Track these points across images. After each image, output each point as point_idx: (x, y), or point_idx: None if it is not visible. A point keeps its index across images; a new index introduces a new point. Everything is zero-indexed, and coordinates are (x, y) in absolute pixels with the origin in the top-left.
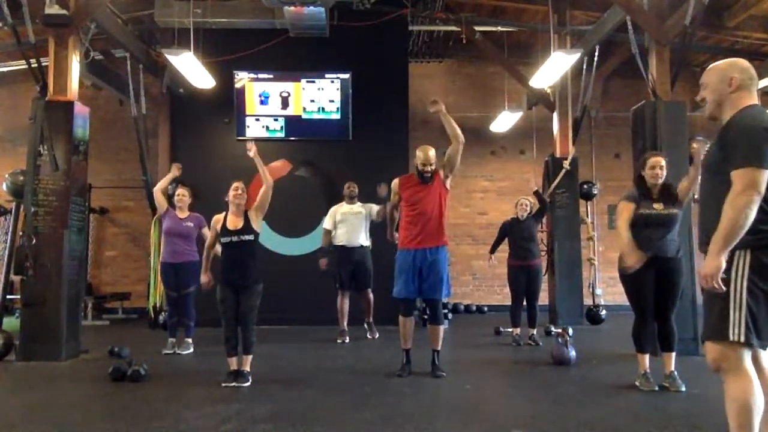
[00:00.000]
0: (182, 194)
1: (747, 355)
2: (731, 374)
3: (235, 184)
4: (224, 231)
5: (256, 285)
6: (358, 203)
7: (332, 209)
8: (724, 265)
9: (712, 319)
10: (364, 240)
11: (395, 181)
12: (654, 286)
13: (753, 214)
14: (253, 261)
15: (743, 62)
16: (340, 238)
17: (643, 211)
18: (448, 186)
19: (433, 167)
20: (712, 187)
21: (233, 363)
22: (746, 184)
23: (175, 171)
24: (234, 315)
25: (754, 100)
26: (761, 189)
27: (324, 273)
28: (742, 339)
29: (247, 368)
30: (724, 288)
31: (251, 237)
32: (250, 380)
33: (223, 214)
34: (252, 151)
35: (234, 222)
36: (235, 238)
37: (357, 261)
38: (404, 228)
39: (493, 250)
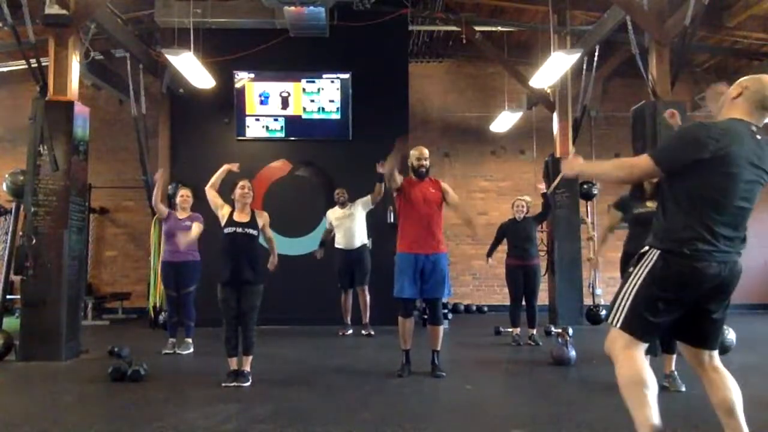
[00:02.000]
0: (185, 195)
1: (634, 345)
2: (613, 356)
3: (241, 183)
4: (230, 221)
5: (257, 284)
6: (349, 205)
7: (328, 213)
8: (574, 171)
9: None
10: (361, 240)
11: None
12: None
13: (611, 179)
14: (256, 258)
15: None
16: (339, 241)
17: (637, 211)
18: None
19: (428, 163)
20: (663, 190)
21: (233, 363)
22: (638, 160)
23: (160, 176)
24: (235, 315)
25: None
26: (633, 173)
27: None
28: (619, 325)
29: (248, 368)
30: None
31: (255, 232)
32: (251, 380)
33: (231, 207)
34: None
35: (240, 216)
36: (239, 230)
37: (355, 260)
38: (403, 231)
39: (490, 253)
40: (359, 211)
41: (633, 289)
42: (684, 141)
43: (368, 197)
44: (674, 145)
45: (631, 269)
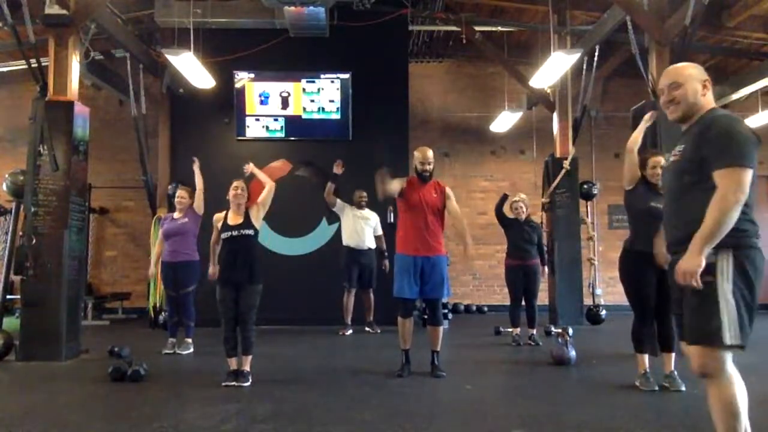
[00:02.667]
0: (182, 196)
1: (730, 359)
2: (718, 378)
3: (234, 184)
4: (225, 226)
5: (256, 284)
6: (367, 210)
7: (346, 205)
8: (703, 264)
9: (699, 322)
10: (370, 243)
11: (405, 179)
12: (655, 285)
13: (737, 215)
14: (254, 258)
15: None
16: (349, 239)
17: (654, 204)
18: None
19: (432, 167)
20: (687, 187)
21: (233, 363)
22: (733, 184)
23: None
24: (233, 315)
25: (713, 101)
26: (746, 189)
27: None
28: (739, 342)
29: (247, 368)
30: (701, 286)
31: (251, 232)
32: (250, 380)
33: (224, 212)
34: (248, 169)
35: (234, 219)
36: (235, 233)
37: (363, 263)
38: (403, 232)
39: (498, 208)
40: (374, 222)
41: (729, 299)
42: (753, 140)
43: (380, 232)
44: (744, 144)
45: (709, 278)
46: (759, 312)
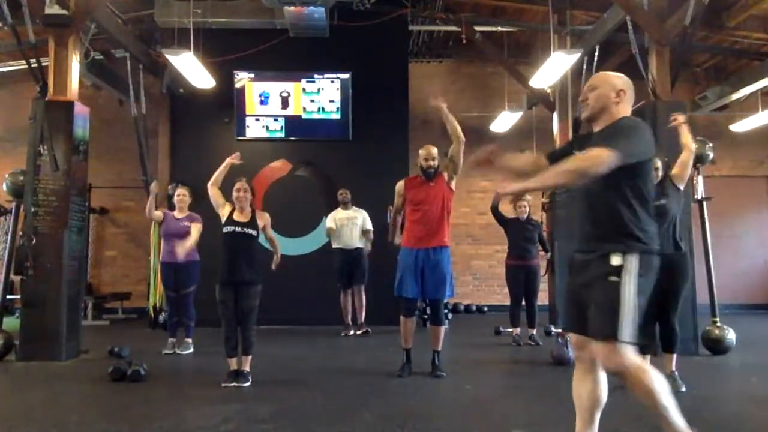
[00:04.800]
0: (182, 194)
1: (635, 352)
2: (632, 370)
3: (237, 185)
4: (229, 220)
5: (256, 285)
6: (353, 208)
7: (330, 215)
8: (516, 189)
9: (602, 319)
10: (359, 242)
11: (400, 183)
12: (655, 286)
13: (576, 179)
14: (255, 258)
15: (628, 79)
16: (338, 242)
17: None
18: (452, 187)
19: (436, 163)
20: (592, 188)
21: (233, 363)
22: (595, 158)
23: (155, 187)
24: (233, 315)
25: (629, 112)
26: (601, 169)
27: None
28: (633, 339)
29: (247, 368)
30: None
31: (254, 232)
32: (250, 380)
33: (232, 207)
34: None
35: (239, 216)
36: (238, 229)
37: (353, 261)
38: (408, 229)
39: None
40: (361, 220)
41: (631, 299)
42: (643, 139)
43: (370, 227)
44: (628, 134)
45: (615, 279)
46: (759, 312)
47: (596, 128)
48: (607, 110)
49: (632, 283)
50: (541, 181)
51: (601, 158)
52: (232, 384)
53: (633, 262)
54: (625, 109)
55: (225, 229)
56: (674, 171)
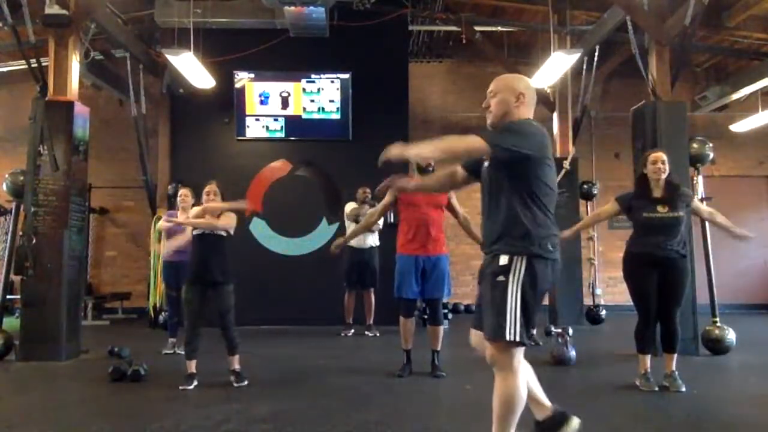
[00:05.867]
0: (185, 195)
1: (520, 353)
2: (504, 371)
3: (207, 188)
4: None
5: (228, 285)
6: (368, 206)
7: (347, 206)
8: (419, 156)
9: (491, 319)
10: (372, 241)
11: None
12: (658, 287)
13: (445, 155)
14: (225, 258)
15: (528, 80)
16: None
17: (647, 215)
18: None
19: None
20: (494, 190)
21: (192, 366)
22: (475, 142)
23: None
24: (198, 316)
25: (531, 115)
26: (465, 147)
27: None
28: (518, 338)
29: (238, 366)
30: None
31: (223, 233)
32: (246, 380)
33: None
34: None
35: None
36: (208, 231)
37: (365, 262)
38: (403, 233)
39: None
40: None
41: (517, 300)
42: (533, 138)
43: (380, 223)
44: (513, 132)
45: (502, 279)
46: (759, 312)
47: None
48: (508, 115)
49: (517, 284)
50: (416, 150)
51: (473, 142)
52: (192, 386)
53: (520, 264)
54: (525, 111)
55: (195, 231)
56: (701, 207)
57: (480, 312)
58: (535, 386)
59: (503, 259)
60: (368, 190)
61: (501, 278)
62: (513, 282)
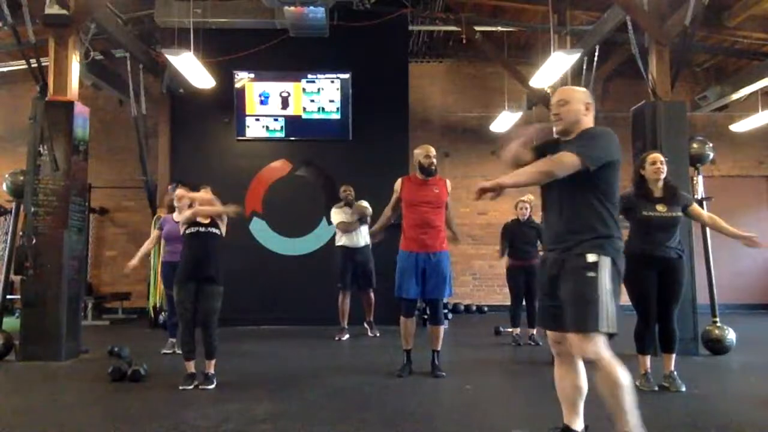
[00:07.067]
0: (181, 196)
1: (607, 344)
2: (601, 361)
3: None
4: (192, 221)
5: (218, 285)
6: (353, 213)
7: (333, 209)
8: (516, 186)
9: (582, 313)
10: (365, 239)
11: (398, 181)
12: (656, 287)
13: (541, 179)
14: (218, 258)
15: (588, 91)
16: (342, 239)
17: (646, 213)
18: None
19: (435, 161)
20: (565, 192)
21: (191, 366)
22: (562, 162)
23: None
24: (192, 316)
25: (593, 123)
26: (562, 172)
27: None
28: (612, 329)
29: (212, 371)
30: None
31: (217, 231)
32: (215, 382)
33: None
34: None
35: (202, 219)
36: (202, 229)
37: (359, 261)
38: (406, 231)
39: (503, 253)
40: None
41: (608, 294)
42: (610, 147)
43: (370, 211)
44: (598, 143)
45: (592, 274)
46: (759, 312)
47: (566, 139)
48: (579, 123)
49: (606, 279)
50: (514, 178)
51: (568, 162)
52: (192, 387)
53: (607, 261)
54: (591, 119)
55: (189, 230)
56: (702, 213)
57: (554, 312)
58: (583, 391)
59: (591, 257)
60: (350, 189)
61: (591, 274)
62: (603, 277)
